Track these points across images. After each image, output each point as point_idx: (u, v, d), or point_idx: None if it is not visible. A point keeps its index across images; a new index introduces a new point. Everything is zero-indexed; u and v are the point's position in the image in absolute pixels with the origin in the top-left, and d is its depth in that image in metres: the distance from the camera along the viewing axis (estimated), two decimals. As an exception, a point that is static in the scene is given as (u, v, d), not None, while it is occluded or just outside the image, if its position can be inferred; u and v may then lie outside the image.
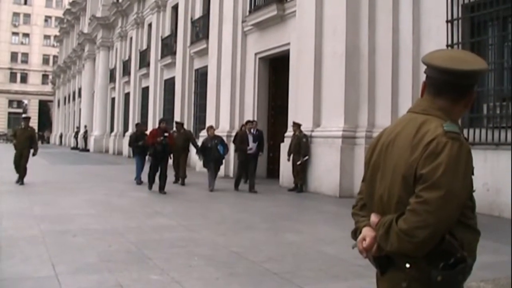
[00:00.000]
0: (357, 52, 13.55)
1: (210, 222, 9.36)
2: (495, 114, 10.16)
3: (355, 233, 2.26)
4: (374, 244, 2.12)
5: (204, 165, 14.38)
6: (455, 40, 10.87)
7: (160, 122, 14.51)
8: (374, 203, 2.20)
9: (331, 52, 14.12)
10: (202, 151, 14.24)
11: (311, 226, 9.05)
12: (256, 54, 18.98)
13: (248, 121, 15.20)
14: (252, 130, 14.62)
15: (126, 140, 34.60)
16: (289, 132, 15.10)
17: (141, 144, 15.39)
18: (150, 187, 13.82)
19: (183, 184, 15.69)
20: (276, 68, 18.84)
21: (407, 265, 2.05)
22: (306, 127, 14.16)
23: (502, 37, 10.34)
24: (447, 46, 10.83)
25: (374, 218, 2.14)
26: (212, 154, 13.93)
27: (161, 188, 13.43)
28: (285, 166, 14.82)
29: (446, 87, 2.11)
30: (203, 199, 12.62)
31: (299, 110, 14.95)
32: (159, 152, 13.55)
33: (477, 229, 2.12)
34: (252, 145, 14.31)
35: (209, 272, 5.94)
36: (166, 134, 13.87)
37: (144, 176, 14.93)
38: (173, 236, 7.92)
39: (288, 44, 16.78)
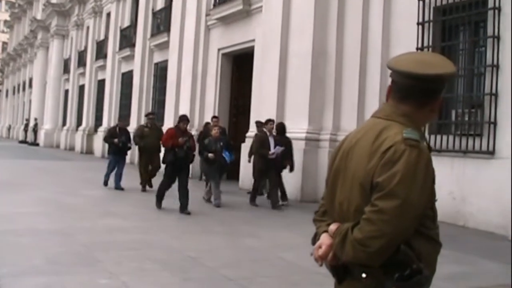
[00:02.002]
0: (324, 52, 13.57)
1: (165, 225, 9.26)
2: (463, 121, 10.32)
3: (315, 239, 2.27)
4: (329, 252, 2.13)
5: (206, 175, 12.37)
6: (425, 44, 10.99)
7: (179, 120, 11.39)
8: (335, 210, 2.20)
9: (297, 51, 14.11)
10: (205, 157, 11.63)
11: (271, 231, 9.02)
12: (219, 49, 18.88)
13: (269, 120, 12.33)
14: (273, 132, 12.09)
15: (79, 135, 34.13)
16: (251, 132, 15.07)
17: (118, 142, 14.04)
18: (159, 204, 10.93)
19: (143, 189, 13.88)
20: (239, 65, 18.76)
21: (363, 275, 2.05)
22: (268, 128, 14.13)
23: (473, 42, 10.52)
24: (417, 49, 10.93)
25: (332, 225, 2.14)
26: (218, 161, 11.58)
27: (184, 207, 10.54)
28: (246, 168, 14.76)
29: (411, 92, 2.11)
30: (226, 221, 9.98)
31: (262, 110, 14.90)
32: (180, 159, 10.71)
33: (437, 240, 2.14)
34: (277, 149, 11.67)
35: (162, 276, 5.88)
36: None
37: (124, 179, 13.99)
38: (126, 238, 7.81)
39: (253, 40, 16.70)
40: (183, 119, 11.35)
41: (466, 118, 10.30)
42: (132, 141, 14.61)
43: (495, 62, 9.70)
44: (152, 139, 13.86)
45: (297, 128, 13.50)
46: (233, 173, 17.50)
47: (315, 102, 13.56)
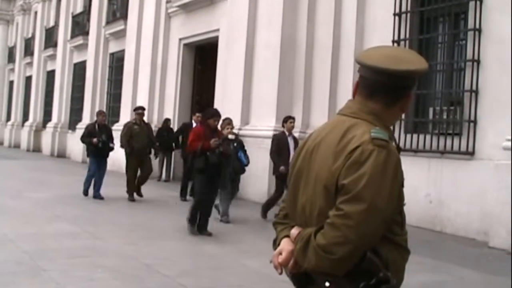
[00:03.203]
0: (293, 44, 13.57)
1: (119, 229, 9.15)
2: (441, 120, 10.37)
3: (275, 245, 2.26)
4: (290, 259, 2.11)
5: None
6: (402, 36, 11.02)
7: (209, 115, 9.39)
8: (297, 213, 2.19)
9: (265, 42, 14.09)
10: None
11: (235, 236, 9.01)
12: (180, 39, 18.76)
13: (288, 117, 10.91)
14: (292, 133, 10.83)
15: (25, 131, 33.50)
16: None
17: (97, 142, 12.43)
18: (193, 229, 8.96)
19: (131, 198, 12.55)
20: (202, 57, 18.69)
21: (327, 284, 2.05)
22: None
23: (452, 35, 10.57)
24: (393, 42, 10.97)
25: (294, 230, 2.12)
26: (232, 165, 9.92)
27: (203, 228, 9.01)
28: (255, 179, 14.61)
29: (380, 89, 2.12)
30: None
31: (226, 105, 14.80)
32: (213, 166, 8.89)
33: (406, 246, 2.15)
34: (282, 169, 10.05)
35: (113, 286, 5.87)
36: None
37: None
38: (75, 245, 7.68)
39: (218, 30, 16.64)
40: (214, 114, 9.34)
41: (445, 116, 10.35)
42: (116, 141, 12.95)
43: (476, 57, 9.75)
44: (142, 138, 12.70)
45: (264, 125, 13.44)
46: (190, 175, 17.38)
47: (283, 97, 13.56)
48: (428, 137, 10.46)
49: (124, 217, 10.39)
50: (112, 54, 24.26)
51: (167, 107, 18.89)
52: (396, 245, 2.09)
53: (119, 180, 13.89)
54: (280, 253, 2.15)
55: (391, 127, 2.20)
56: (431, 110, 10.73)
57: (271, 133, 13.16)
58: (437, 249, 8.46)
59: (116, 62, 23.68)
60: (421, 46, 10.91)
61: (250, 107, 14.44)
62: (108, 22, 24.03)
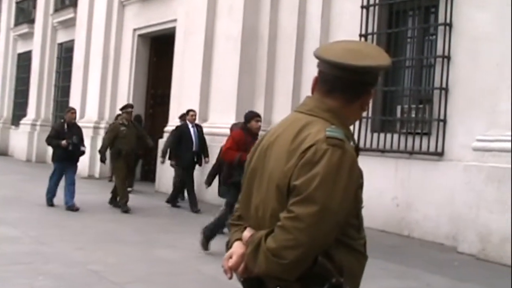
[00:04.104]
0: (255, 36, 13.55)
1: (66, 233, 9.02)
2: (410, 118, 10.44)
3: (228, 247, 2.27)
4: (241, 263, 2.13)
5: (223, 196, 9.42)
6: (369, 30, 11.07)
7: (249, 116, 8.69)
8: (250, 215, 2.20)
9: (225, 33, 14.06)
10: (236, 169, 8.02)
11: (191, 241, 8.87)
12: (135, 30, 18.58)
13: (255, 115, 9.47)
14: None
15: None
16: (171, 126, 14.85)
17: (67, 144, 11.22)
18: (207, 245, 8.00)
19: (125, 209, 11.48)
20: (158, 49, 18.54)
21: None
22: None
23: (422, 30, 10.65)
24: (361, 35, 11.01)
25: (246, 232, 2.14)
26: None
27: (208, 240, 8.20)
28: (163, 169, 14.49)
29: (339, 85, 2.14)
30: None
31: (183, 100, 14.76)
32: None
33: (363, 251, 2.17)
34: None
35: None
36: None
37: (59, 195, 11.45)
38: (15, 250, 7.56)
39: (174, 21, 16.53)
40: (254, 115, 8.70)
41: (413, 115, 10.42)
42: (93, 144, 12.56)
43: (446, 53, 9.84)
44: (131, 140, 11.95)
45: (223, 122, 13.36)
46: (148, 174, 17.24)
47: (244, 92, 13.55)
48: (395, 136, 10.52)
49: (71, 220, 10.21)
50: (60, 44, 23.90)
51: (120, 101, 18.50)
52: (352, 250, 2.10)
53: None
54: (231, 257, 2.16)
55: (352, 126, 2.20)
56: (399, 108, 10.80)
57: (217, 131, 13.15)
58: (404, 254, 8.52)
59: (65, 53, 23.35)
60: (389, 40, 10.98)
61: (208, 102, 14.39)
62: (56, 10, 23.66)
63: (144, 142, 12.66)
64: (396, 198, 10.20)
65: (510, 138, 8.29)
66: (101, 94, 19.24)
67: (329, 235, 1.99)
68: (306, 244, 1.94)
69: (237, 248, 2.16)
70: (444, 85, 9.84)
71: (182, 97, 14.95)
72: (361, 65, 2.09)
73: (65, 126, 11.63)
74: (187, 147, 12.16)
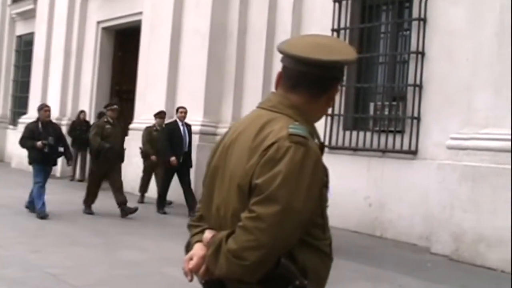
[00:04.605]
0: (224, 31, 13.54)
1: (23, 235, 8.87)
2: (383, 116, 10.48)
3: (188, 249, 2.26)
4: (201, 265, 2.12)
5: None
6: (342, 24, 11.12)
7: None
8: (211, 215, 2.20)
9: (192, 28, 14.01)
10: None
11: (156, 242, 8.93)
12: (99, 23, 18.41)
13: None
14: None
15: None
16: (136, 123, 14.75)
17: (42, 145, 10.42)
18: None
19: (88, 210, 11.17)
20: (123, 43, 18.43)
21: None
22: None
23: (396, 25, 10.71)
24: (333, 30, 11.05)
25: (207, 233, 2.13)
26: None
27: None
28: (126, 168, 14.32)
29: (303, 80, 2.14)
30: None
31: (149, 97, 14.69)
32: None
33: (328, 252, 2.17)
34: None
35: None
36: None
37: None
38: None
39: (140, 13, 16.37)
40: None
41: (386, 112, 10.48)
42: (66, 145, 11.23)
43: (420, 49, 9.91)
44: (116, 140, 11.39)
45: (190, 120, 13.28)
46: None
47: (212, 89, 13.53)
48: (368, 134, 10.57)
49: (28, 221, 10.01)
50: (19, 37, 23.61)
51: (83, 98, 18.48)
52: (316, 251, 2.10)
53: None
54: (191, 259, 2.15)
55: (323, 123, 2.18)
56: (371, 105, 10.84)
57: (198, 129, 13.07)
58: (377, 256, 8.54)
59: (25, 46, 23.09)
60: (362, 36, 11.02)
61: (175, 99, 14.30)
62: (14, 0, 23.34)
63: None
64: (369, 198, 10.23)
65: (489, 136, 8.37)
66: (63, 90, 19.01)
67: (292, 235, 1.98)
68: (268, 245, 1.93)
69: (198, 249, 2.15)
70: (418, 82, 9.90)
71: (148, 93, 14.86)
72: (326, 60, 2.08)
73: (40, 125, 10.77)
74: (177, 147, 11.74)
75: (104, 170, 11.25)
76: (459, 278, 7.62)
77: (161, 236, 9.42)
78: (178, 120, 12.14)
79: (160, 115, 13.01)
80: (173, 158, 11.54)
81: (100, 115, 16.42)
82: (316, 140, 2.12)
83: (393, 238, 9.83)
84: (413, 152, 9.87)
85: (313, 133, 2.14)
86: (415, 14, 10.12)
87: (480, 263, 8.14)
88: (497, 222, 8.02)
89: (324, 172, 2.09)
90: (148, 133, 12.79)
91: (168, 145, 11.77)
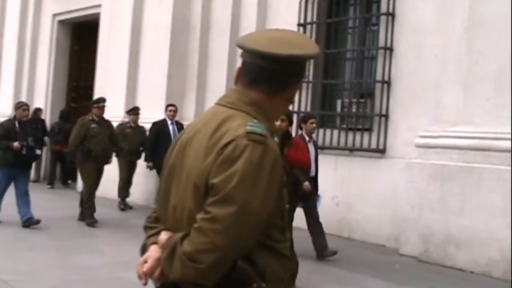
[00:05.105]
0: (186, 25, 13.52)
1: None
2: (350, 113, 10.52)
3: (143, 252, 2.25)
4: (156, 268, 2.11)
5: None
6: (308, 19, 11.14)
7: (305, 118, 8.90)
8: (168, 216, 2.19)
9: (153, 22, 13.98)
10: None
11: (115, 245, 8.87)
12: (54, 15, 18.17)
13: (309, 117, 9.14)
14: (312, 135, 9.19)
15: None
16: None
17: (19, 146, 9.71)
18: None
19: (92, 222, 10.42)
20: (81, 37, 18.24)
21: None
22: (115, 116, 13.72)
23: (364, 20, 10.76)
24: (299, 25, 11.06)
25: (163, 235, 2.12)
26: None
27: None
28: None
29: (263, 76, 2.13)
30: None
31: (108, 94, 14.44)
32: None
33: (287, 255, 2.16)
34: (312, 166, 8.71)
35: None
36: None
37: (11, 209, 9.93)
38: None
39: (99, 6, 16.24)
40: (310, 117, 8.90)
41: (354, 110, 10.51)
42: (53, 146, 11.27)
43: (389, 44, 9.98)
44: (102, 140, 10.82)
45: (152, 117, 13.19)
46: (71, 172, 16.88)
47: (174, 85, 13.51)
48: (335, 132, 10.60)
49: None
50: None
51: (38, 94, 18.25)
52: (275, 253, 2.09)
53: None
54: (146, 261, 2.13)
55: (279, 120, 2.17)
56: (339, 102, 10.87)
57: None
58: (344, 258, 8.54)
59: (-25, 40, 22.69)
60: (329, 31, 11.06)
61: (136, 96, 14.26)
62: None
63: (116, 144, 11.36)
64: (336, 198, 10.25)
65: (458, 134, 8.44)
66: (16, 85, 18.78)
67: (249, 237, 1.98)
68: (223, 247, 1.93)
69: (153, 252, 2.13)
70: (386, 78, 9.96)
71: (107, 90, 14.65)
72: (287, 54, 2.07)
73: (16, 124, 10.10)
74: (164, 148, 11.26)
75: (94, 172, 10.75)
76: (428, 279, 7.69)
77: (119, 239, 9.35)
78: (167, 118, 11.98)
79: (134, 111, 12.74)
80: (150, 164, 11.61)
81: (63, 114, 16.30)
82: (275, 138, 2.12)
83: (361, 239, 9.88)
84: (381, 151, 9.93)
85: (273, 130, 2.13)
86: (383, 9, 10.16)
87: (449, 264, 8.22)
88: (466, 222, 8.11)
89: (284, 171, 2.08)
90: (121, 130, 12.41)
91: (152, 147, 11.63)
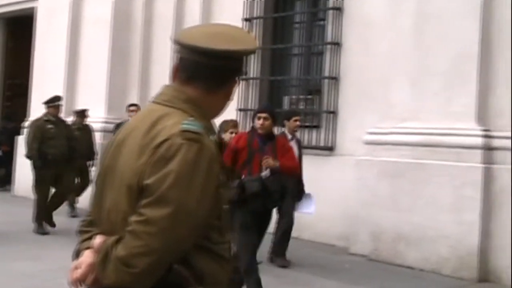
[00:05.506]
0: (128, 20, 13.46)
1: None
2: (298, 110, 10.55)
3: (77, 257, 2.21)
4: (88, 274, 2.08)
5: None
6: (255, 14, 11.17)
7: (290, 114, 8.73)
8: (102, 219, 2.17)
9: (93, 16, 13.84)
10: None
11: (56, 250, 8.60)
12: (-14, 10, 17.84)
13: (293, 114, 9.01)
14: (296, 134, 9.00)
15: None
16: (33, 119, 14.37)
17: None
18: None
19: (42, 230, 10.10)
20: (15, 33, 17.88)
21: None
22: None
23: (311, 14, 10.84)
24: (245, 20, 11.08)
25: (98, 238, 2.09)
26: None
27: None
28: (23, 168, 13.98)
29: (200, 72, 2.14)
30: None
31: (46, 92, 14.20)
32: (256, 198, 6.39)
33: (226, 256, 2.16)
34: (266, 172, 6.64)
35: None
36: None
37: None
38: None
39: (35, 0, 15.93)
40: (294, 114, 8.66)
41: (302, 107, 10.58)
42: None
43: (337, 39, 10.08)
44: (60, 142, 10.22)
45: (92, 116, 13.07)
46: (4, 177, 16.62)
47: (116, 82, 13.44)
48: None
49: None
50: None
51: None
52: (214, 255, 2.10)
53: None
54: (79, 267, 2.11)
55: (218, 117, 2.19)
56: (286, 99, 10.93)
57: (100, 126, 12.88)
58: (293, 258, 8.56)
59: None
60: (276, 26, 11.10)
61: (75, 93, 14.07)
62: None
63: (71, 145, 10.51)
64: (284, 197, 10.27)
65: (407, 130, 8.57)
66: None
67: (185, 239, 1.97)
68: (159, 250, 1.92)
69: (86, 257, 2.10)
70: (334, 74, 10.05)
71: (45, 87, 14.40)
72: (224, 49, 2.08)
73: None
74: None
75: (50, 177, 10.11)
76: (378, 278, 7.78)
77: (61, 244, 9.03)
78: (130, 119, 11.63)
79: (83, 113, 12.04)
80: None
81: (7, 113, 16.00)
82: (213, 137, 2.12)
83: (311, 239, 9.89)
84: (330, 148, 10.02)
85: (210, 128, 2.14)
86: (331, 3, 10.25)
87: (399, 262, 8.34)
88: (416, 219, 8.23)
89: (220, 171, 2.08)
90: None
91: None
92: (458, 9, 8.17)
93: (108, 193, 2.14)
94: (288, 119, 8.66)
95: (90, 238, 2.16)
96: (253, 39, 2.22)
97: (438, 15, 8.38)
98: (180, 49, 2.16)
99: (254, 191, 6.37)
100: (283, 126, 8.73)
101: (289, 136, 8.55)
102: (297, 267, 8.15)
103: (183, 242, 1.97)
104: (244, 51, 2.16)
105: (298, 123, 8.71)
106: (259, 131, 6.68)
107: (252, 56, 10.87)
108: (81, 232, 2.28)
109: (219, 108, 2.24)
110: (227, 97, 2.22)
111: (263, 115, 6.70)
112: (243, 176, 6.43)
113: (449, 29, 8.25)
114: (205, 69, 2.11)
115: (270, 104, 9.56)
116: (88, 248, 2.13)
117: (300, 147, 8.83)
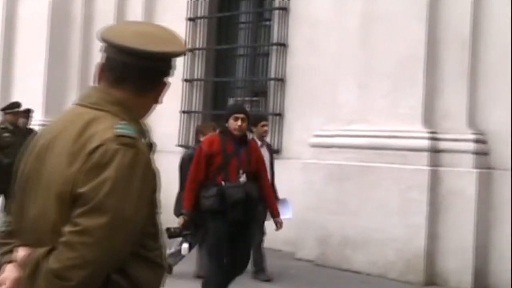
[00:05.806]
0: (67, 17, 13.38)
1: None
2: (265, 114, 10.52)
3: None
4: None
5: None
6: (199, 13, 11.14)
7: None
8: (25, 229, 2.09)
9: (29, 12, 13.72)
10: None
11: None
12: None
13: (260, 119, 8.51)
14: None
15: None
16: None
17: None
18: None
19: None
20: None
21: None
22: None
23: (257, 14, 10.88)
24: (189, 19, 11.04)
25: (21, 251, 2.03)
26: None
27: None
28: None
29: (128, 73, 2.09)
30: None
31: (-22, 92, 14.08)
32: (235, 207, 6.09)
33: (160, 262, 2.14)
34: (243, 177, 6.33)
35: None
36: None
37: None
38: None
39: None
40: (261, 119, 8.25)
41: (249, 108, 10.55)
42: None
43: (282, 40, 10.11)
44: (17, 151, 9.14)
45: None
46: None
47: (54, 83, 13.34)
48: (228, 132, 10.62)
49: None
50: None
51: None
52: (148, 262, 2.07)
53: None
54: (3, 283, 2.03)
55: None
56: (231, 101, 10.90)
57: (37, 129, 12.66)
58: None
59: None
60: (220, 26, 11.09)
61: (10, 94, 13.84)
62: None
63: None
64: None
65: (353, 133, 8.63)
66: None
67: (123, 248, 1.95)
68: (96, 261, 1.88)
69: (9, 272, 2.03)
70: (280, 76, 10.08)
71: (-23, 88, 14.26)
72: (155, 51, 2.05)
73: None
74: None
75: (5, 188, 8.45)
76: (324, 283, 7.80)
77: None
78: None
79: (27, 113, 10.94)
80: None
81: None
82: (145, 140, 2.10)
83: (276, 248, 9.84)
84: (276, 151, 10.01)
85: (142, 132, 2.10)
86: (276, 3, 10.29)
87: (346, 267, 8.38)
88: (362, 223, 8.29)
89: (154, 175, 2.06)
90: None
91: None
92: (405, 10, 8.27)
93: (32, 201, 2.07)
94: (255, 125, 8.03)
95: (10, 251, 2.10)
96: (182, 41, 2.19)
97: (385, 16, 8.46)
98: (107, 48, 2.11)
99: (237, 198, 6.04)
100: (251, 132, 8.03)
101: (259, 143, 7.90)
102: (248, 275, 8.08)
103: (120, 252, 1.94)
104: (174, 53, 2.13)
105: (266, 128, 8.35)
106: (236, 132, 6.25)
107: (196, 57, 10.87)
108: (0, 244, 2.21)
109: (147, 110, 2.20)
110: (156, 100, 2.19)
111: (241, 115, 6.29)
112: (223, 183, 6.09)
113: (395, 30, 8.35)
114: (134, 70, 2.08)
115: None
116: (10, 262, 2.07)
117: (272, 152, 8.52)
